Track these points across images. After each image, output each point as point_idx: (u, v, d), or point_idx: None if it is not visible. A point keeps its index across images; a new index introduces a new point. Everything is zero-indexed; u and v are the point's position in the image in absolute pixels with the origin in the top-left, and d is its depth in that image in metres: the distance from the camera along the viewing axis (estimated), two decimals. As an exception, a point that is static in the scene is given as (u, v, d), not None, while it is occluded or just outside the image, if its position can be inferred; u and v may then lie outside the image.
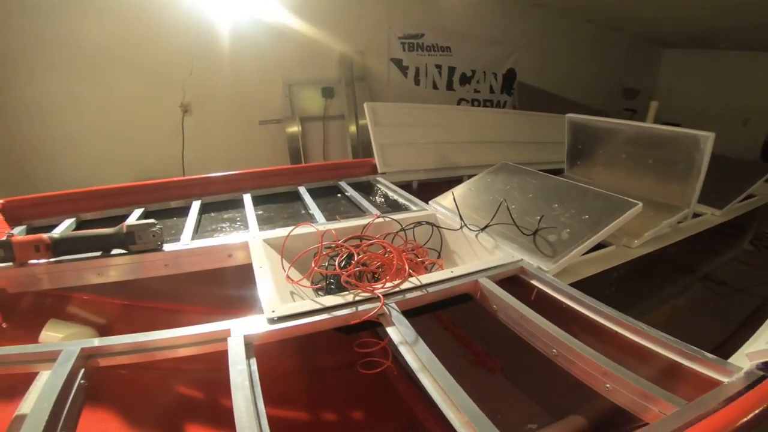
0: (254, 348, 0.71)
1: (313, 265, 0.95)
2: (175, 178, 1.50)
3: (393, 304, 0.80)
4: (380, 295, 0.80)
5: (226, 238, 1.15)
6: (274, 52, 3.15)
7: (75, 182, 2.71)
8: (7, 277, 1.00)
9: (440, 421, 0.82)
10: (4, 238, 0.96)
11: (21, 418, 0.75)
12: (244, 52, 3.04)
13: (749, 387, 0.60)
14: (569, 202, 1.24)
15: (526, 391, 1.13)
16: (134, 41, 2.78)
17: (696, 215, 1.63)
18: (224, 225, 1.31)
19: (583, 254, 1.08)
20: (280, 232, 1.14)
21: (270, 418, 0.57)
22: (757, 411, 0.55)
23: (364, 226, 1.19)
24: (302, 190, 1.59)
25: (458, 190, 1.47)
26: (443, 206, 1.42)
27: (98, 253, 1.04)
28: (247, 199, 1.47)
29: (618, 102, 5.26)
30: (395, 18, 3.61)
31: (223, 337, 0.71)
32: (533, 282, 0.97)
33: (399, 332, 0.73)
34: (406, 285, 0.87)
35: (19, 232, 1.24)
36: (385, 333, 0.77)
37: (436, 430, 0.96)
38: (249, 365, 0.65)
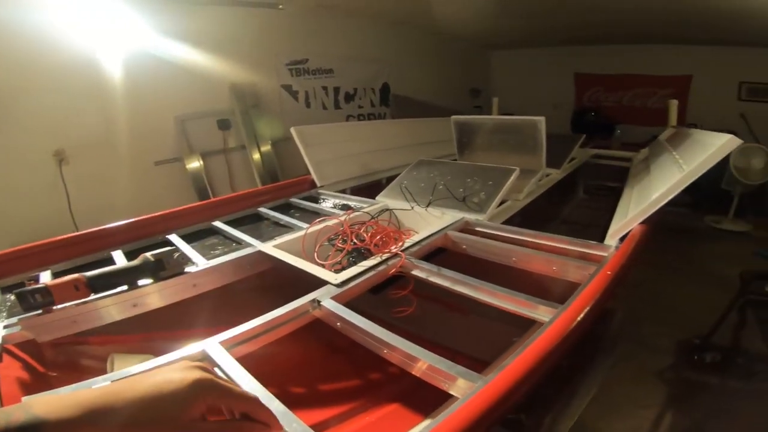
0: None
1: (338, 243, 1.31)
2: (145, 216, 1.62)
3: (408, 256, 1.23)
4: (399, 252, 1.22)
5: (237, 254, 1.40)
6: (162, 88, 3.20)
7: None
8: (37, 326, 1.06)
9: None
10: (38, 285, 1.05)
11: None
12: (129, 91, 3.02)
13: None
14: (476, 177, 1.86)
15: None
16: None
17: (546, 175, 2.46)
18: (219, 247, 1.53)
19: (497, 207, 1.68)
20: (280, 240, 1.45)
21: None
22: (626, 257, 1.14)
23: (343, 222, 1.57)
24: (264, 210, 1.87)
25: (397, 183, 1.97)
26: (389, 198, 1.90)
27: (125, 288, 1.19)
28: (220, 225, 1.69)
29: (468, 101, 6.59)
30: (281, 46, 4.00)
31: (306, 310, 1.03)
32: (477, 228, 1.51)
33: (422, 270, 1.17)
34: (406, 245, 1.31)
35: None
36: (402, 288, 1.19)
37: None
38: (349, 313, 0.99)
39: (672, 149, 2.03)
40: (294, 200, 2.03)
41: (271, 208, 1.91)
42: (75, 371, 1.25)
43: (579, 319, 0.88)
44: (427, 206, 1.70)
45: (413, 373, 0.88)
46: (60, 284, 1.07)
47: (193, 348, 0.90)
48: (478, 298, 1.07)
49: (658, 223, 1.40)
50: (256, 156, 3.57)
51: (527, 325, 1.07)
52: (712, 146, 1.25)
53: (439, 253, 1.49)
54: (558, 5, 3.90)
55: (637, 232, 1.28)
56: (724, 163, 3.96)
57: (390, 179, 2.49)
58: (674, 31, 4.67)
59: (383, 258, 1.22)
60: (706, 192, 4.58)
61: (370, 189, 2.32)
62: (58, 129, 2.79)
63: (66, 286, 1.07)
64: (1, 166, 2.59)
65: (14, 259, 1.40)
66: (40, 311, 1.07)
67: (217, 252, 1.49)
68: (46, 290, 1.05)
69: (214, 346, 0.89)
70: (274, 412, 0.69)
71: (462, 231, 1.50)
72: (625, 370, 2.07)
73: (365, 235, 1.33)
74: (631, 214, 1.36)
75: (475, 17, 4.63)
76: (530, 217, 2.30)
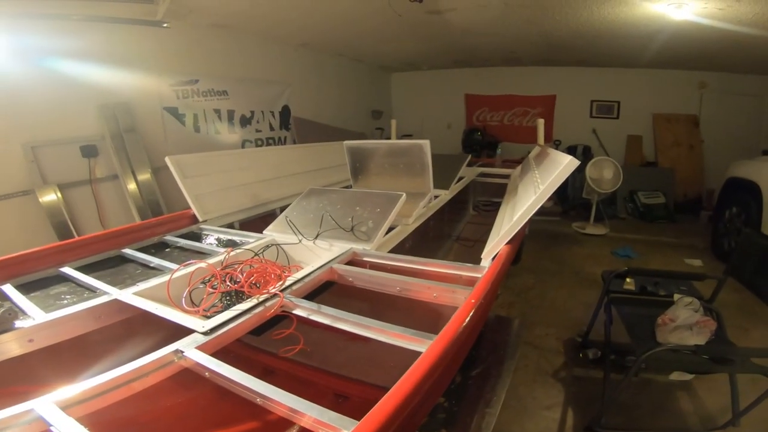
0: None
1: (209, 288, 1.19)
2: None
3: (288, 295, 1.17)
4: (278, 292, 1.15)
5: (87, 304, 1.20)
6: (7, 111, 2.69)
7: None
8: None
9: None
10: None
11: None
12: None
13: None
14: (365, 204, 1.88)
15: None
16: None
17: (436, 197, 2.60)
18: (67, 296, 1.30)
19: (385, 234, 1.71)
20: (144, 285, 1.28)
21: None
22: (492, 278, 1.22)
23: (222, 261, 1.45)
24: (130, 251, 1.65)
25: (284, 215, 1.90)
26: (276, 231, 1.81)
27: None
28: (71, 271, 1.45)
29: (369, 123, 6.78)
30: (165, 65, 3.64)
31: (170, 361, 0.91)
32: (365, 258, 1.51)
33: (303, 309, 1.12)
34: (287, 283, 1.24)
35: None
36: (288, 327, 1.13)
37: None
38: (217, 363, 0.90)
39: (536, 167, 2.30)
40: (170, 238, 1.83)
41: (140, 249, 1.69)
42: None
43: (449, 347, 0.91)
44: (315, 238, 1.66)
45: (290, 420, 0.83)
46: None
47: (18, 408, 0.77)
48: (359, 333, 1.05)
49: (535, 233, 1.56)
50: (132, 186, 3.18)
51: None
52: (557, 168, 1.43)
53: (329, 286, 1.47)
54: (441, 30, 4.23)
55: (504, 252, 1.39)
56: (584, 174, 4.64)
57: (284, 209, 2.41)
58: (541, 53, 5.38)
59: (260, 299, 1.15)
60: (572, 202, 5.35)
61: (263, 221, 2.20)
62: None
63: None
64: None
65: None
66: None
67: (64, 302, 1.29)
68: None
69: (46, 405, 0.77)
70: None
71: (349, 263, 1.49)
72: (526, 373, 2.23)
73: (241, 275, 1.24)
74: (498, 235, 1.48)
75: (374, 40, 4.81)
76: (424, 237, 2.40)
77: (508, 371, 1.98)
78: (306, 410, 0.77)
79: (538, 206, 1.41)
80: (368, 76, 6.82)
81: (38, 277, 1.45)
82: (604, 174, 4.63)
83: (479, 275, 1.32)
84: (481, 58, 6.03)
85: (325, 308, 1.13)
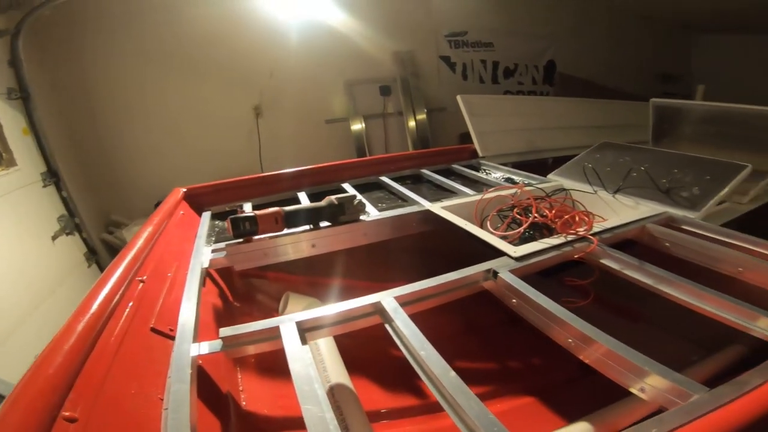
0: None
1: (514, 214, 1.20)
2: (325, 164, 1.76)
3: (600, 242, 1.05)
4: (590, 236, 1.05)
5: (404, 210, 1.40)
6: (334, 55, 3.44)
7: (162, 184, 3.01)
8: (238, 254, 1.18)
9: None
10: (248, 213, 1.18)
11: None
12: (307, 56, 3.33)
13: None
14: (688, 168, 1.49)
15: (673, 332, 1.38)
16: (212, 44, 3.09)
17: (780, 180, 1.86)
18: (385, 201, 1.57)
19: (714, 207, 1.33)
20: (448, 202, 1.40)
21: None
22: None
23: (513, 195, 1.44)
24: (426, 172, 1.86)
25: (576, 163, 1.73)
26: (563, 177, 1.67)
27: (309, 227, 1.28)
28: (387, 180, 1.73)
29: (654, 87, 5.49)
30: (440, 18, 3.91)
31: (476, 280, 0.96)
32: (683, 226, 1.22)
33: (617, 261, 0.99)
34: (595, 230, 1.12)
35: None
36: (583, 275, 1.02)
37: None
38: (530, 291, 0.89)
39: None
40: (455, 167, 1.97)
41: (434, 171, 1.88)
42: (253, 303, 1.43)
43: None
44: (616, 192, 1.44)
45: (586, 361, 0.79)
46: (265, 215, 1.16)
47: (368, 299, 0.88)
48: (689, 302, 0.86)
49: None
50: (411, 123, 3.61)
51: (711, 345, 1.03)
52: None
53: (626, 246, 1.26)
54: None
55: None
56: None
57: (557, 159, 2.23)
58: None
59: (568, 239, 1.07)
60: None
61: (532, 167, 2.11)
62: (255, 88, 3.27)
63: (269, 217, 1.17)
64: (216, 113, 3.16)
65: (223, 190, 1.65)
66: (241, 240, 1.18)
67: (384, 206, 1.50)
68: (254, 219, 1.15)
69: (388, 300, 0.88)
70: (449, 384, 0.66)
71: (665, 226, 1.23)
72: None
73: (547, 211, 1.18)
74: None
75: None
76: (754, 227, 1.81)
77: None
78: (646, 366, 0.72)
79: None
80: (659, 35, 5.44)
81: (362, 182, 1.78)
82: None
83: None
84: None
85: (648, 266, 0.96)
